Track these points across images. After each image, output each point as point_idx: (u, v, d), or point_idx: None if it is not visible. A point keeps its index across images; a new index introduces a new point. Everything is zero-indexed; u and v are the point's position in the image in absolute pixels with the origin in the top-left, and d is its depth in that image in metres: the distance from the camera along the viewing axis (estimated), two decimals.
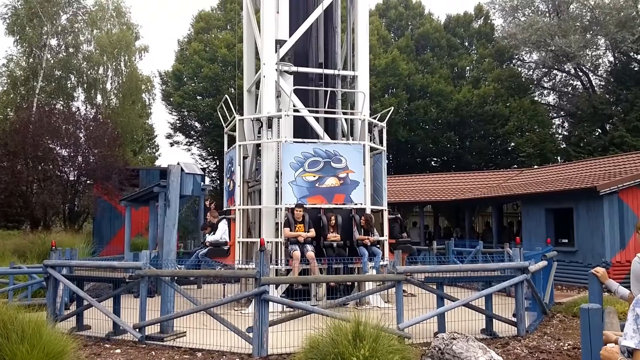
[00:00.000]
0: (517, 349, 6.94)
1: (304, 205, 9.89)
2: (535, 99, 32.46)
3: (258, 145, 11.03)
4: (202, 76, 29.40)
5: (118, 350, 7.05)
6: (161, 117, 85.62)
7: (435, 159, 34.03)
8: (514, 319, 7.86)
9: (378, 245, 10.35)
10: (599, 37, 27.98)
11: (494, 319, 7.82)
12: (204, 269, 10.50)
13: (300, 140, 10.51)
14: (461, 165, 31.01)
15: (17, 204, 21.39)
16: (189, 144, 34.92)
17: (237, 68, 22.26)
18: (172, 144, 35.37)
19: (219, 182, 32.46)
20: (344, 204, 10.34)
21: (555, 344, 7.23)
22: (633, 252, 12.24)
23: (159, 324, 7.68)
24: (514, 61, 32.62)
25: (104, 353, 6.90)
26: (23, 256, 14.02)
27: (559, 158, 29.94)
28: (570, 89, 32.72)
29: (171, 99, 31.39)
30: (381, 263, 10.16)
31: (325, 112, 11.31)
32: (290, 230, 9.66)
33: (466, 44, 34.26)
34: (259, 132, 10.79)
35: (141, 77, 30.57)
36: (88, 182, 21.29)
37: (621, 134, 25.34)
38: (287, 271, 9.70)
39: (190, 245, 14.64)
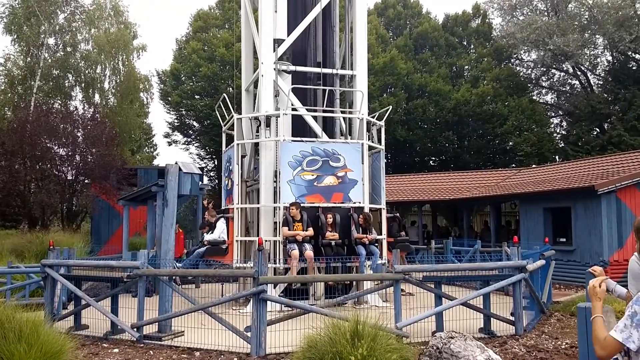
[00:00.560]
0: (515, 348, 6.94)
1: (300, 204, 9.88)
2: (534, 98, 32.51)
3: (256, 144, 11.03)
4: (200, 75, 29.39)
5: (116, 350, 7.04)
6: (159, 117, 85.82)
7: (433, 158, 34.06)
8: (512, 318, 7.87)
9: (376, 244, 10.36)
10: (597, 36, 28.05)
11: (492, 318, 7.83)
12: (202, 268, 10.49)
13: (298, 139, 10.49)
14: (459, 165, 31.04)
15: (14, 203, 21.37)
16: (187, 143, 34.95)
17: (235, 67, 22.26)
18: (170, 143, 35.43)
19: (217, 181, 32.44)
20: (342, 203, 10.34)
21: (553, 343, 7.25)
22: (631, 251, 12.22)
23: (157, 323, 7.67)
24: (512, 60, 32.66)
25: (102, 352, 6.89)
26: (21, 256, 14.01)
27: (557, 157, 29.99)
28: (568, 88, 32.75)
29: (169, 98, 31.38)
30: (379, 262, 10.17)
31: (324, 111, 11.28)
32: (289, 229, 9.66)
33: (464, 43, 34.29)
34: (257, 131, 10.78)
35: (139, 76, 30.48)
36: (86, 181, 21.24)
37: (619, 133, 25.38)
38: (286, 270, 9.69)
39: (188, 244, 14.62)
